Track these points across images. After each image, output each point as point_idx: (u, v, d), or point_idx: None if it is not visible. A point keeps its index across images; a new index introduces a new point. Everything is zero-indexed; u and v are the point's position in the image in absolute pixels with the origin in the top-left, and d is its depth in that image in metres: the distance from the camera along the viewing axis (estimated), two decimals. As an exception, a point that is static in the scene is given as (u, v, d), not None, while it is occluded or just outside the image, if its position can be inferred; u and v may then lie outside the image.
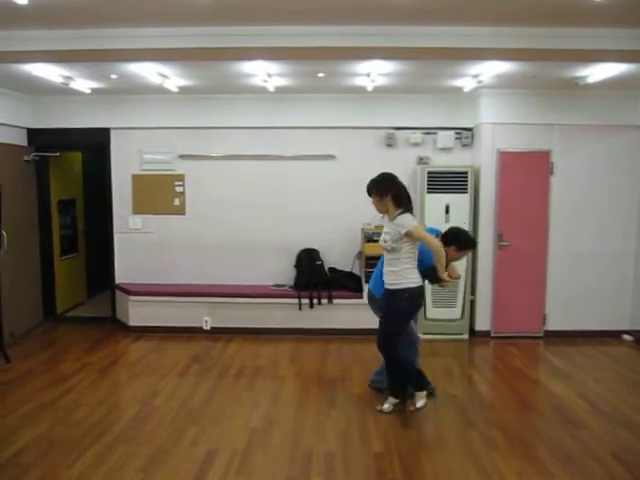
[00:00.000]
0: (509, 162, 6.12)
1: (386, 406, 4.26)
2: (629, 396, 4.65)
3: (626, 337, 6.24)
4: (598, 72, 5.09)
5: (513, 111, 6.08)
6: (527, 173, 6.15)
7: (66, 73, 5.31)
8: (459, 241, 4.30)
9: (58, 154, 6.80)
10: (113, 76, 5.43)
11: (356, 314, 5.91)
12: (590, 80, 5.30)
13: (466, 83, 5.65)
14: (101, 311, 7.03)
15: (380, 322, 4.34)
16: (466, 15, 3.89)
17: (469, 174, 6.08)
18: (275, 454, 3.61)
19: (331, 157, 6.49)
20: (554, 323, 6.29)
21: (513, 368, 5.37)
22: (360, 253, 6.28)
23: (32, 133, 6.55)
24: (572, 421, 4.12)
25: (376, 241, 6.02)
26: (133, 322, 6.41)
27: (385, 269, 4.17)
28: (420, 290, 4.15)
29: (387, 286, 4.15)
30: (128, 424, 4.04)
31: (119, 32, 4.18)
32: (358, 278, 6.29)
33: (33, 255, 6.64)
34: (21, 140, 6.47)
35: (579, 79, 5.38)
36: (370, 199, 4.18)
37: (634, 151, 6.16)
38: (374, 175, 4.26)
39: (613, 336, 6.24)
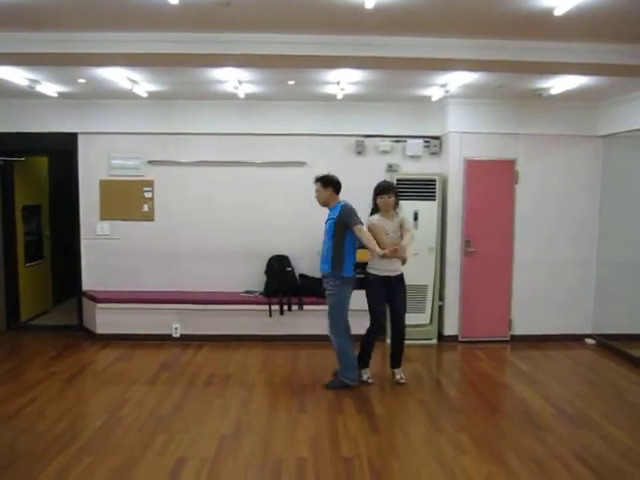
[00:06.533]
0: (476, 170, 6.25)
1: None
2: (592, 398, 4.78)
3: (589, 341, 6.41)
4: (560, 84, 5.26)
5: (479, 120, 6.22)
6: (493, 181, 6.30)
7: (32, 76, 5.22)
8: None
9: (23, 159, 6.67)
10: (81, 80, 5.36)
11: (326, 320, 5.92)
12: (553, 92, 5.47)
13: (434, 92, 5.76)
14: (67, 319, 6.89)
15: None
16: (434, 27, 3.97)
17: (437, 182, 6.18)
18: (245, 461, 3.60)
19: (302, 164, 6.52)
20: (520, 328, 6.43)
21: (480, 372, 5.46)
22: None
23: (-4, 137, 6.42)
24: (538, 424, 4.22)
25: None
26: (100, 330, 6.30)
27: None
28: None
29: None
30: (95, 434, 3.97)
31: (87, 36, 4.13)
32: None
33: (-4, 262, 6.49)
34: (-16, 144, 6.33)
35: (542, 90, 5.55)
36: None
37: (595, 161, 6.36)
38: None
39: (576, 340, 6.41)
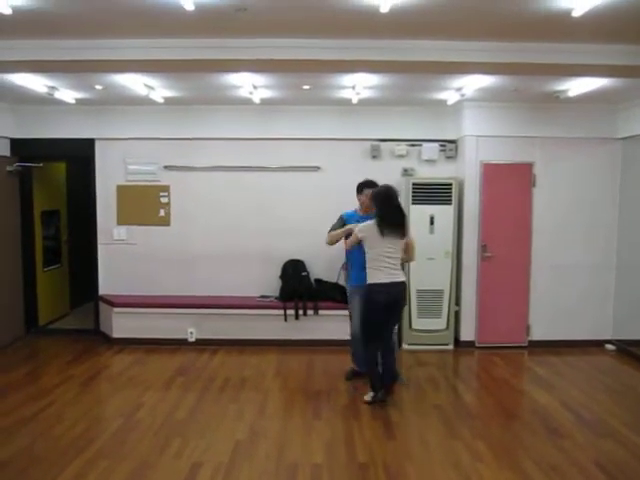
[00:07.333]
0: (492, 174, 6.19)
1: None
2: (612, 405, 4.70)
3: (608, 347, 6.31)
4: (578, 86, 5.20)
5: (496, 124, 6.16)
6: (510, 185, 6.23)
7: (50, 83, 5.29)
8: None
9: (42, 164, 6.75)
10: (98, 86, 5.41)
11: (342, 325, 5.90)
12: (570, 94, 5.41)
13: (450, 96, 5.73)
14: (84, 323, 6.95)
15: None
16: (450, 30, 3.95)
17: (453, 186, 6.14)
18: (260, 466, 3.59)
19: (316, 168, 6.52)
20: (538, 333, 6.35)
21: (497, 378, 5.40)
22: (346, 264, 6.29)
23: (15, 143, 6.49)
24: (556, 431, 4.15)
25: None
26: (117, 334, 6.34)
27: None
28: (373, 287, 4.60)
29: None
30: (111, 438, 3.99)
31: (104, 43, 4.18)
32: (344, 289, 6.28)
33: (15, 266, 6.56)
34: (4, 150, 6.40)
35: (560, 93, 5.49)
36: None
37: (614, 164, 6.27)
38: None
39: (596, 346, 6.31)
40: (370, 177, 6.06)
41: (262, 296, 6.50)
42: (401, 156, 6.46)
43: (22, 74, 4.86)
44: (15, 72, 4.77)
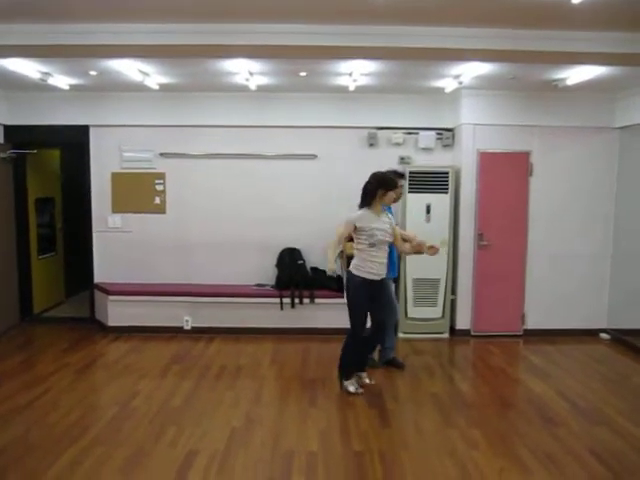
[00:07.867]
0: (489, 163, 6.17)
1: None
2: (607, 394, 4.72)
3: (603, 336, 6.34)
4: (576, 74, 5.17)
5: (493, 112, 6.13)
6: (507, 174, 6.21)
7: (44, 69, 5.23)
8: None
9: (36, 151, 6.69)
10: (92, 72, 5.35)
11: (337, 314, 5.88)
12: (569, 82, 5.38)
13: (447, 84, 5.69)
14: (80, 311, 6.93)
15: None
16: (448, 16, 3.92)
17: (450, 174, 6.12)
18: (256, 454, 3.59)
19: (313, 156, 6.48)
20: (533, 322, 6.37)
21: (493, 367, 5.41)
22: (342, 252, 6.28)
23: (9, 130, 6.42)
24: (551, 419, 4.17)
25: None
26: (112, 322, 6.33)
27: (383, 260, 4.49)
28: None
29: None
30: (106, 426, 3.98)
31: (98, 27, 4.14)
32: (340, 278, 6.28)
33: (9, 254, 6.53)
34: (-3, 137, 6.36)
35: (558, 81, 5.46)
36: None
37: (611, 153, 6.25)
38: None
39: (591, 334, 6.33)
40: (367, 165, 6.03)
41: (258, 284, 6.49)
42: (398, 144, 6.44)
43: (15, 59, 4.79)
44: (7, 57, 4.70)
